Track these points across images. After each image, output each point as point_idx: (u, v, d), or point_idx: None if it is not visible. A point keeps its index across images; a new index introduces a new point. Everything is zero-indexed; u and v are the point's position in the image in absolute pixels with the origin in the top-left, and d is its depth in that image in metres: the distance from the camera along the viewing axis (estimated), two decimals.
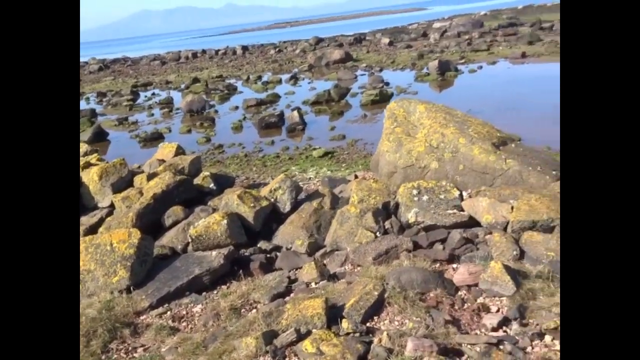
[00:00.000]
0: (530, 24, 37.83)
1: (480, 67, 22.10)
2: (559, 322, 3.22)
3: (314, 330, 3.50)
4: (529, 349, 3.15)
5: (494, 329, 3.44)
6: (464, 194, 5.75)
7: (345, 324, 3.52)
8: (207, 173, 7.43)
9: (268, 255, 5.55)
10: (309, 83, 23.53)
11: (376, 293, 3.88)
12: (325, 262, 5.20)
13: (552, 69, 19.75)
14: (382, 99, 16.07)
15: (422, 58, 26.80)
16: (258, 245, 5.76)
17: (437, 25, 46.43)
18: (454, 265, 4.51)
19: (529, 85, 16.98)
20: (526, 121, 12.04)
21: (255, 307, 4.36)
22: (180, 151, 8.53)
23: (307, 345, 3.28)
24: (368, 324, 3.65)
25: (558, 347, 3.11)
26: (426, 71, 21.65)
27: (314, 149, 11.50)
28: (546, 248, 4.40)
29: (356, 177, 8.45)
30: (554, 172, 6.18)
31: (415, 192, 5.62)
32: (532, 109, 13.29)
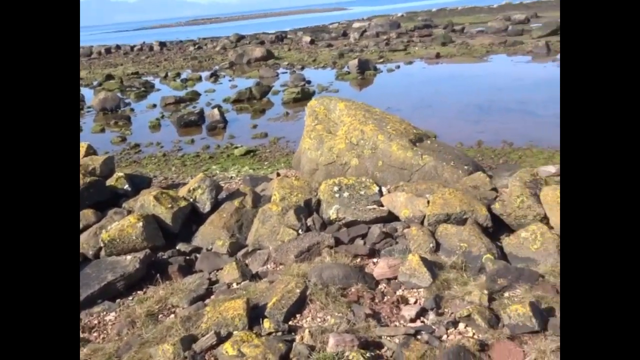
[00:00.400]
0: (444, 26, 39.55)
1: (398, 67, 22.78)
2: (471, 309, 3.35)
3: (235, 332, 3.42)
4: (444, 337, 3.26)
5: (412, 320, 3.54)
6: (384, 189, 5.88)
7: (267, 324, 3.48)
8: (122, 174, 7.07)
9: (187, 258, 5.37)
10: (230, 81, 23.15)
11: (298, 291, 3.86)
12: (247, 261, 5.11)
13: (463, 69, 20.75)
14: (304, 97, 16.13)
15: (342, 57, 27.20)
16: (177, 248, 5.56)
17: (356, 25, 47.34)
18: (375, 260, 4.59)
19: (443, 84, 17.72)
20: (441, 118, 12.55)
21: (174, 312, 4.19)
22: (90, 151, 8.06)
23: (227, 348, 3.20)
24: (290, 323, 3.62)
25: (471, 334, 3.24)
26: (347, 70, 22.00)
27: (236, 147, 11.32)
28: (459, 239, 4.58)
29: (278, 175, 8.40)
30: (465, 167, 6.47)
31: (336, 188, 5.67)
32: (446, 107, 13.88)
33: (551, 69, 18.66)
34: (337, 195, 5.60)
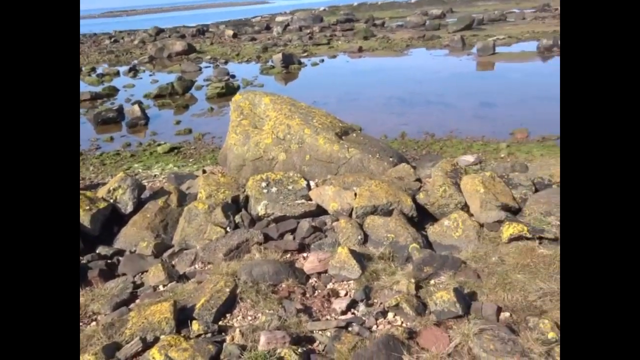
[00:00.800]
0: (365, 20, 40.28)
1: (322, 61, 22.93)
2: (399, 299, 3.43)
3: (162, 337, 3.29)
4: (374, 327, 3.32)
5: (343, 312, 3.57)
6: (312, 183, 5.89)
7: (195, 326, 3.38)
8: None
9: (109, 261, 5.12)
10: (150, 75, 22.30)
11: (228, 290, 3.78)
12: (173, 262, 4.95)
13: (386, 63, 21.24)
14: (229, 91, 15.84)
15: (266, 51, 26.99)
16: (97, 251, 5.28)
17: (279, 19, 47.14)
18: (305, 254, 4.59)
19: (367, 77, 18.05)
20: (365, 111, 12.77)
21: (95, 319, 3.98)
22: None
23: (154, 354, 3.08)
24: (220, 323, 3.54)
25: (399, 322, 3.33)
26: (271, 64, 21.85)
27: (159, 144, 10.92)
28: (386, 230, 4.68)
29: (204, 172, 8.20)
30: (390, 159, 6.62)
31: (264, 184, 5.61)
32: (371, 100, 14.14)
33: (467, 62, 19.52)
34: (265, 190, 5.54)
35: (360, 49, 25.04)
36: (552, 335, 2.99)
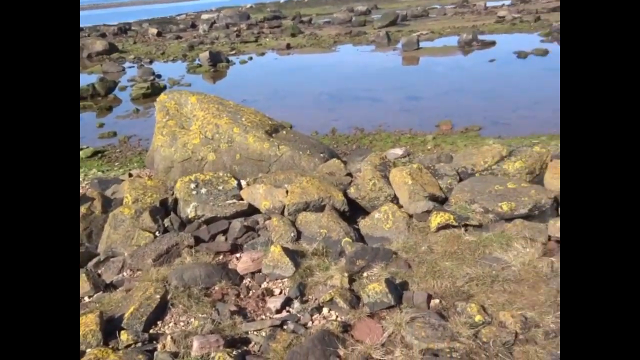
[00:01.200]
0: (292, 17, 40.29)
1: (251, 58, 22.72)
2: (333, 293, 3.46)
3: (88, 350, 3.13)
4: (310, 323, 3.32)
5: (278, 311, 3.55)
6: (243, 182, 5.81)
7: (124, 336, 3.24)
8: None
9: None
10: None
11: (158, 296, 3.66)
12: (99, 271, 4.72)
13: (314, 59, 21.36)
14: (154, 92, 15.33)
15: (192, 49, 26.38)
16: None
17: (205, 16, 46.21)
18: (238, 255, 4.52)
19: (296, 74, 18.08)
20: (296, 108, 12.78)
21: None
22: None
23: None
24: (151, 331, 3.42)
25: (334, 317, 3.35)
26: (198, 62, 21.38)
27: (81, 148, 10.40)
28: (319, 226, 4.70)
29: (131, 175, 7.90)
30: (321, 155, 6.66)
31: (193, 185, 5.47)
32: (301, 97, 14.18)
33: (392, 57, 19.99)
34: (194, 192, 5.41)
35: (288, 46, 25.02)
36: (479, 318, 3.12)
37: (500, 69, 15.87)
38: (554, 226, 4.14)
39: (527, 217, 4.56)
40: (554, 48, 18.34)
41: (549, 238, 4.22)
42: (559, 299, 3.29)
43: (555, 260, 3.75)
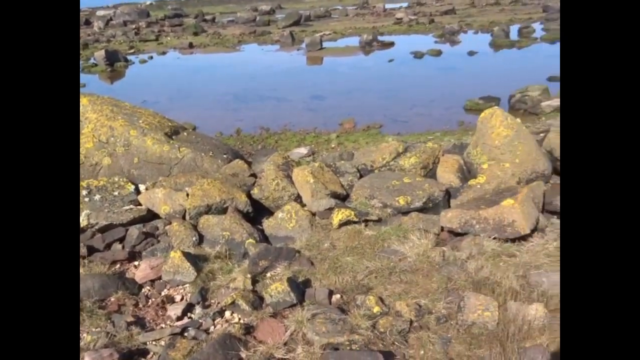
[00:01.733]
0: (194, 15, 39.34)
1: (151, 57, 21.89)
2: (235, 296, 3.43)
3: None
4: (211, 328, 3.26)
5: (179, 318, 3.45)
6: (141, 187, 5.58)
7: None
8: None
9: None
10: None
11: None
12: None
13: (218, 59, 21.02)
14: None
15: (87, 48, 24.89)
16: None
17: (100, 13, 43.74)
18: (136, 263, 4.34)
19: (200, 74, 17.69)
20: (200, 109, 12.51)
21: None
22: None
23: None
24: None
25: (237, 320, 3.32)
26: (93, 62, 20.23)
27: None
28: (222, 229, 4.63)
29: None
30: (224, 156, 6.57)
31: (85, 192, 5.17)
32: (205, 97, 13.89)
33: (297, 57, 20.16)
34: (86, 199, 5.11)
35: (191, 45, 24.39)
36: (377, 309, 3.23)
37: (399, 68, 16.54)
38: (445, 217, 4.39)
39: (422, 209, 4.80)
40: (447, 49, 19.45)
41: (442, 229, 4.48)
42: (449, 285, 3.50)
43: (447, 249, 3.98)
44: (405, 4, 40.12)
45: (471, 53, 17.85)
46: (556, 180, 5.41)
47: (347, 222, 4.67)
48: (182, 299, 3.72)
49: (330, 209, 4.97)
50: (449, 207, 4.82)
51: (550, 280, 3.38)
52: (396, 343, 2.94)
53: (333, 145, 8.99)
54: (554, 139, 5.55)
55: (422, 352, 2.90)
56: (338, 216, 4.68)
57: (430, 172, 5.55)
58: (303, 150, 8.52)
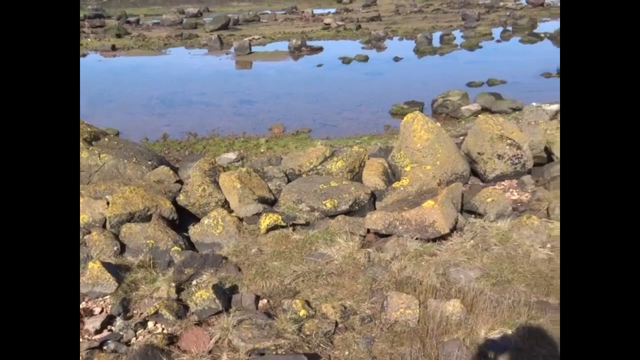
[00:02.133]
0: (117, 17, 37.93)
1: None
2: (158, 305, 3.33)
3: None
4: (133, 340, 3.16)
5: (98, 332, 3.32)
6: None
7: None
8: None
9: None
10: None
11: None
12: None
13: (143, 62, 20.36)
14: None
15: None
16: None
17: None
18: None
19: (124, 77, 17.06)
20: (124, 114, 12.08)
21: None
22: None
23: None
24: None
25: (160, 330, 3.23)
26: None
27: None
28: (145, 237, 4.50)
29: None
30: (149, 162, 6.38)
31: None
32: (129, 102, 13.40)
33: (225, 61, 19.92)
34: None
35: (113, 47, 23.46)
36: (304, 312, 3.26)
37: (328, 73, 16.75)
38: (371, 219, 4.50)
39: (348, 212, 4.89)
40: (374, 54, 19.92)
41: (368, 231, 4.59)
42: (373, 286, 3.59)
43: (372, 251, 4.08)
44: (333, 10, 40.73)
45: (397, 59, 18.39)
46: (474, 181, 5.70)
47: (275, 227, 4.67)
48: (102, 311, 3.57)
49: (258, 214, 4.96)
50: (375, 209, 4.95)
51: (467, 276, 3.55)
52: (322, 345, 2.98)
53: (262, 150, 8.96)
54: (471, 142, 5.84)
55: (346, 352, 2.95)
56: (265, 221, 4.68)
57: (356, 176, 5.67)
58: (232, 156, 8.43)
